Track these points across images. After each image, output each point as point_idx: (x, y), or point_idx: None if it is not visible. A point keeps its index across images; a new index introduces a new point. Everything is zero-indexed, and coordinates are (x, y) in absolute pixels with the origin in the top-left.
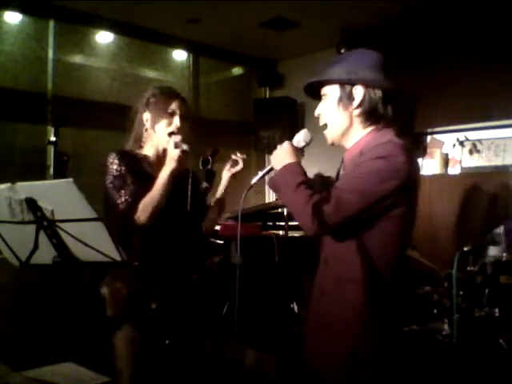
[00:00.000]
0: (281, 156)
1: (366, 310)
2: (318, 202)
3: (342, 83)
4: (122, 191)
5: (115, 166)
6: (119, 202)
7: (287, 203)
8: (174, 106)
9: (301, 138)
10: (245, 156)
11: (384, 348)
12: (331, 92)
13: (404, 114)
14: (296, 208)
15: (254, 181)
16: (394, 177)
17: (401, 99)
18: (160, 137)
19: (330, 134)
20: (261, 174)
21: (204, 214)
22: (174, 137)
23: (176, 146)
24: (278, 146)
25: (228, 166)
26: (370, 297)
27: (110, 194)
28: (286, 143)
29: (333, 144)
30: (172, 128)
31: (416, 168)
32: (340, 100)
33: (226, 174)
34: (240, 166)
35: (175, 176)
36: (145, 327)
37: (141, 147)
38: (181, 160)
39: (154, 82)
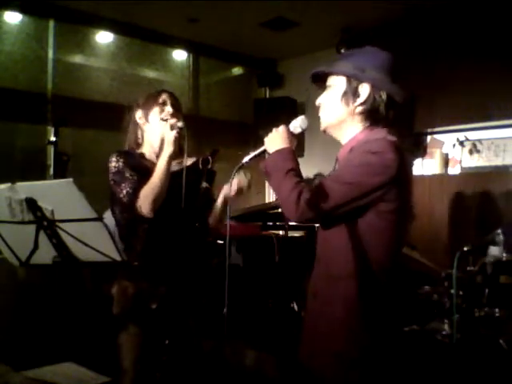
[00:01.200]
0: (275, 140)
1: (356, 307)
2: (305, 189)
3: (349, 78)
4: (123, 185)
5: (113, 164)
6: (121, 195)
7: (275, 188)
8: (163, 96)
9: (298, 124)
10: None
11: (375, 346)
12: (337, 84)
13: (404, 114)
14: (282, 193)
15: (245, 160)
16: (382, 172)
17: (404, 105)
18: (155, 126)
19: (325, 121)
20: (253, 154)
21: (208, 211)
22: (168, 121)
23: (172, 128)
24: (274, 129)
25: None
26: (361, 294)
27: (114, 191)
28: (282, 127)
29: (325, 131)
30: (164, 114)
31: (407, 165)
32: (345, 94)
33: (222, 195)
34: (234, 187)
35: (179, 171)
36: (149, 327)
37: (139, 146)
38: (177, 141)
39: (153, 82)
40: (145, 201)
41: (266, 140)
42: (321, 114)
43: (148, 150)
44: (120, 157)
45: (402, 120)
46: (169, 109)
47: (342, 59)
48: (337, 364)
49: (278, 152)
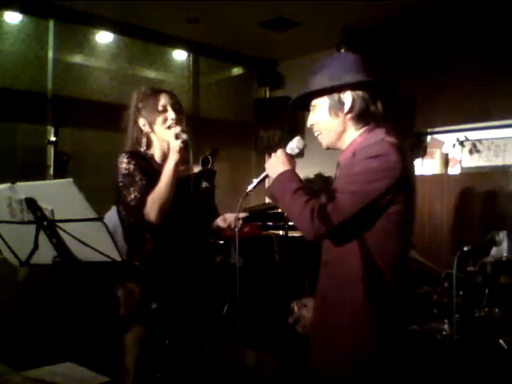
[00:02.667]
0: (275, 164)
1: (365, 309)
2: (315, 206)
3: (329, 92)
4: (131, 188)
5: (124, 165)
6: (129, 199)
7: (285, 210)
8: (162, 100)
9: (294, 145)
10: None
11: (385, 347)
12: (320, 102)
13: (404, 114)
14: (294, 214)
15: (249, 188)
16: (386, 176)
17: (389, 91)
18: (161, 135)
19: (325, 140)
20: (256, 181)
21: (210, 212)
22: (173, 129)
23: (177, 137)
24: (273, 155)
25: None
26: (370, 297)
27: (122, 193)
28: (280, 151)
29: (328, 148)
30: (169, 122)
31: (409, 166)
32: (331, 108)
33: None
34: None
35: (181, 173)
36: (150, 327)
37: (148, 149)
38: (182, 151)
39: (153, 82)
40: (152, 208)
41: (267, 166)
42: (318, 136)
43: (157, 153)
44: (132, 158)
45: (402, 120)
46: (171, 115)
47: (316, 73)
48: (346, 366)
49: (280, 175)
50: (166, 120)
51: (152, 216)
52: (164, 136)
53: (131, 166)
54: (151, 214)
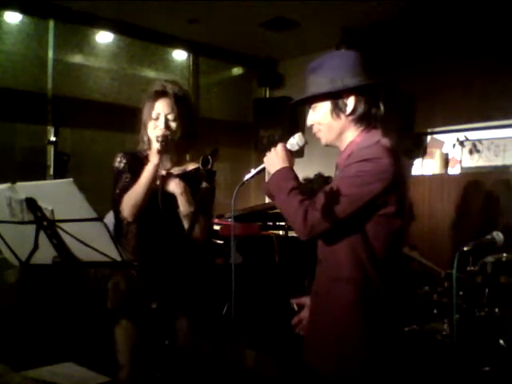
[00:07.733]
0: (274, 160)
1: (356, 308)
2: (309, 207)
3: (331, 95)
4: (117, 185)
5: (116, 164)
6: (114, 195)
7: (280, 208)
8: (157, 108)
9: (295, 141)
10: None
11: (376, 345)
12: (322, 104)
13: (404, 114)
14: (288, 213)
15: (246, 178)
16: (380, 179)
17: (390, 92)
18: (152, 139)
19: (325, 138)
20: (254, 172)
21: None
22: (153, 132)
23: (157, 139)
24: (272, 149)
25: None
26: (360, 295)
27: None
28: (280, 147)
29: (327, 145)
30: (157, 131)
31: (403, 168)
32: (333, 110)
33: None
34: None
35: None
36: (145, 326)
37: (148, 148)
38: (161, 153)
39: (153, 83)
40: (125, 206)
41: (265, 160)
42: (318, 134)
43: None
44: (123, 157)
45: (402, 120)
46: (160, 125)
47: (316, 74)
48: (339, 363)
49: (278, 172)
50: (156, 127)
51: (125, 212)
52: (153, 140)
53: (121, 165)
54: (125, 210)
